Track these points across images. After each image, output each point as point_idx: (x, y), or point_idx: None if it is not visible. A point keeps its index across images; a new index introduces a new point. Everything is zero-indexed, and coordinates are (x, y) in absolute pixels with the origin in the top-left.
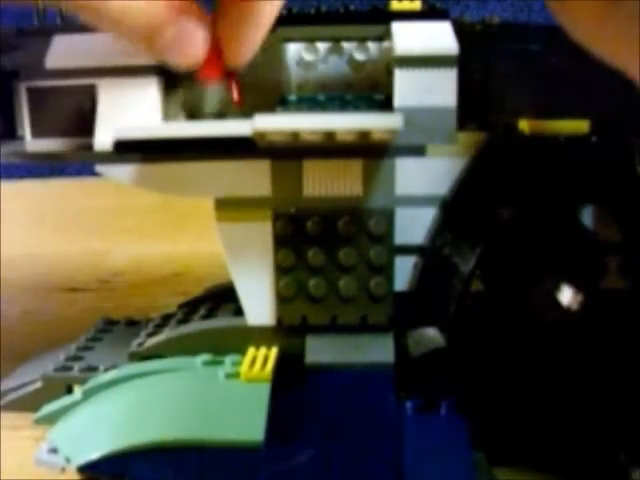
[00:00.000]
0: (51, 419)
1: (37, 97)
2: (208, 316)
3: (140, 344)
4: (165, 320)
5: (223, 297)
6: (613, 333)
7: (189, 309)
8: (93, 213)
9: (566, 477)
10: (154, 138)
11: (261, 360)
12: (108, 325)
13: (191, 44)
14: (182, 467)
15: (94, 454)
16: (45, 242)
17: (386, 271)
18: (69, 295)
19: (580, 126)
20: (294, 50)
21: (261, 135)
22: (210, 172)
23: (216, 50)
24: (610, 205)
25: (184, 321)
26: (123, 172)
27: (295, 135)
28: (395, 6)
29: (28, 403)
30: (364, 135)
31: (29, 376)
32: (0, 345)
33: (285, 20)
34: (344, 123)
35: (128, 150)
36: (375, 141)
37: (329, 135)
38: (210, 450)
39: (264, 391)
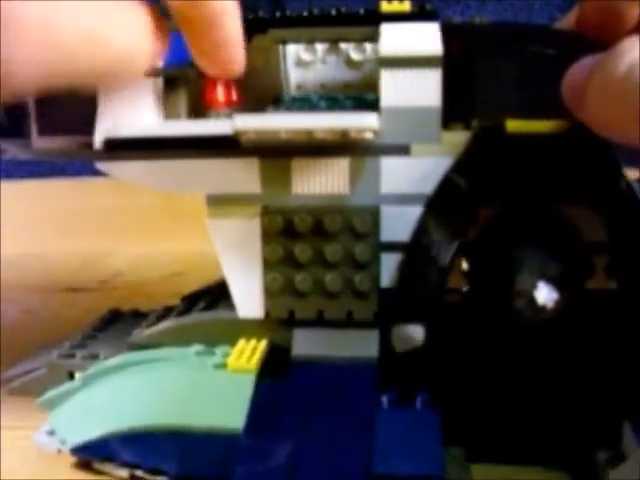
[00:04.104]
0: (53, 404)
1: (43, 97)
2: (208, 308)
3: (139, 334)
4: (167, 312)
5: (225, 290)
6: (592, 332)
7: (191, 302)
8: (93, 213)
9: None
10: (140, 137)
11: (249, 352)
12: (115, 316)
13: None
14: (164, 452)
15: (86, 437)
16: (45, 242)
17: (371, 268)
18: (69, 295)
19: (563, 126)
20: (293, 51)
21: (242, 134)
22: (202, 169)
23: (218, 82)
24: (594, 204)
25: (184, 313)
26: (119, 169)
27: (274, 134)
28: (385, 7)
29: (33, 388)
30: (343, 134)
31: (35, 363)
32: (0, 345)
33: (283, 22)
34: (320, 122)
35: (116, 148)
36: (355, 140)
37: (308, 134)
38: (191, 436)
39: (249, 382)
